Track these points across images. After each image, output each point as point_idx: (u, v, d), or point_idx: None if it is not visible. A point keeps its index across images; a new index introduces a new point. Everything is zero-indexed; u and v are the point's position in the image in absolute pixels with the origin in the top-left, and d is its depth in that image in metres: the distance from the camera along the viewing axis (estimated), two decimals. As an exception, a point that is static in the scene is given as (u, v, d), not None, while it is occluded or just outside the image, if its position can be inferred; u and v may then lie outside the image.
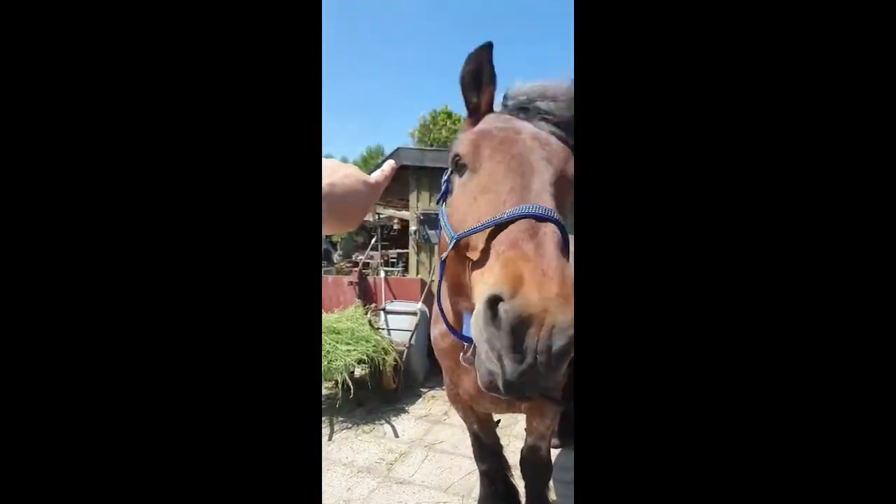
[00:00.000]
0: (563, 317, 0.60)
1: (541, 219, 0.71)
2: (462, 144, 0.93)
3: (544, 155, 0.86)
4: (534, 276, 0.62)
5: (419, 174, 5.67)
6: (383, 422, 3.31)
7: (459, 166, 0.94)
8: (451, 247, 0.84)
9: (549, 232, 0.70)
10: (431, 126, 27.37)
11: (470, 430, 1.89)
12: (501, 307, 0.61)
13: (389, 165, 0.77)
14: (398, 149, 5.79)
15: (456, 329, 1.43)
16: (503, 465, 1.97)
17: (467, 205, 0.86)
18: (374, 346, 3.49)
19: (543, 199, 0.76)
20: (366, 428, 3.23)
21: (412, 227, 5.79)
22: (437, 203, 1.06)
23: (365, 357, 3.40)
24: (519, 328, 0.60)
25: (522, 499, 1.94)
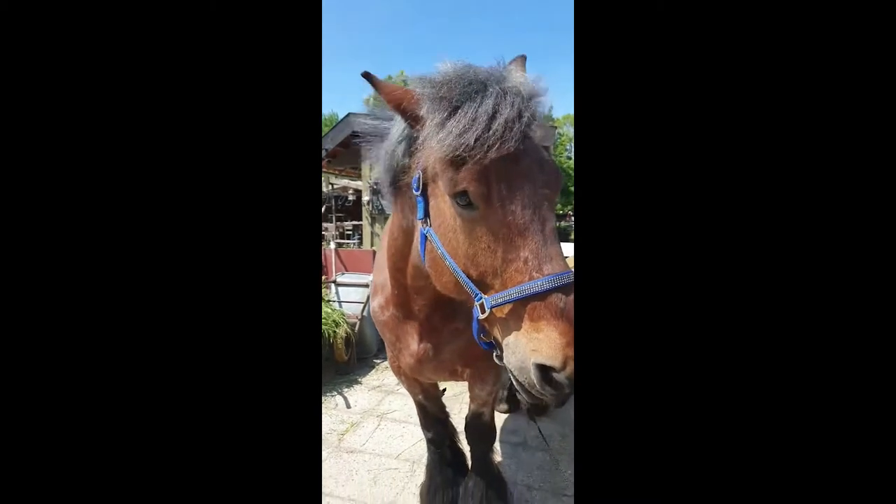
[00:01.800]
0: None
1: (567, 288, 0.83)
2: (471, 183, 0.87)
3: (546, 189, 0.90)
4: (570, 347, 0.79)
5: (372, 141, 5.43)
6: (335, 393, 3.28)
7: (461, 198, 0.90)
8: (487, 311, 0.90)
9: (573, 298, 0.82)
10: (388, 92, 26.27)
11: (415, 400, 1.89)
12: (555, 375, 0.81)
13: None
14: (349, 114, 5.51)
15: (392, 303, 1.41)
16: (449, 433, 2.00)
17: (479, 250, 0.90)
18: (324, 319, 3.41)
19: (562, 260, 0.86)
20: (317, 401, 3.19)
21: (365, 198, 5.62)
22: (420, 219, 1.03)
23: (315, 330, 3.32)
24: (570, 383, 0.80)
25: (469, 462, 1.99)
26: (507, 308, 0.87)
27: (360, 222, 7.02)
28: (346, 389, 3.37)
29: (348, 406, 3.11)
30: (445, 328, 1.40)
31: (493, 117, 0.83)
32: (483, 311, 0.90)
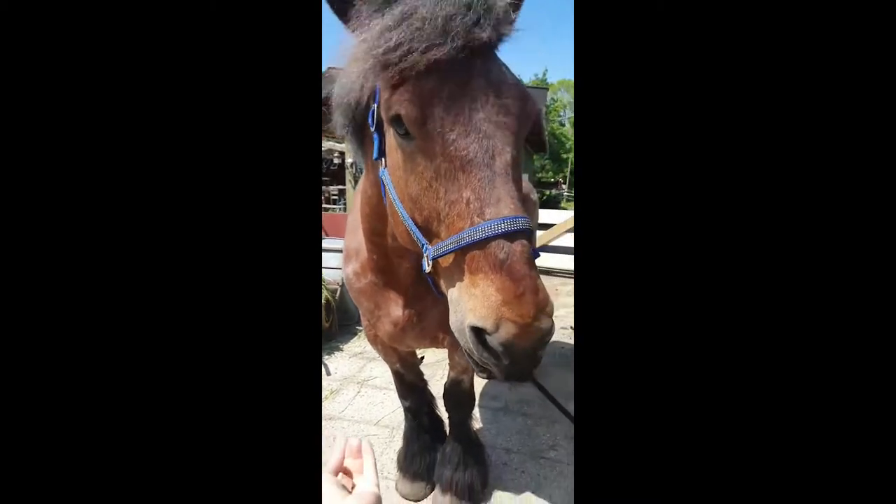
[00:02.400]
0: (541, 328, 0.67)
1: (513, 235, 0.70)
2: (403, 104, 0.73)
3: (501, 116, 0.74)
4: (511, 306, 0.66)
5: (354, 100, 5.15)
6: (316, 361, 3.25)
7: (398, 125, 0.76)
8: (430, 262, 0.80)
9: (520, 248, 0.70)
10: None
11: (392, 368, 1.84)
12: (487, 338, 0.68)
13: None
14: (329, 69, 5.20)
15: (370, 269, 1.31)
16: (426, 400, 1.97)
17: (422, 189, 0.77)
18: (303, 285, 3.32)
19: (511, 202, 0.72)
20: (297, 367, 3.15)
21: (349, 160, 5.40)
22: (375, 159, 0.91)
23: (294, 297, 3.23)
24: (505, 351, 0.68)
25: (447, 428, 1.98)
26: (449, 259, 0.75)
27: (344, 186, 6.80)
28: (326, 356, 3.34)
29: (328, 373, 3.08)
30: (429, 294, 1.31)
31: (429, 13, 0.68)
32: (428, 265, 0.79)
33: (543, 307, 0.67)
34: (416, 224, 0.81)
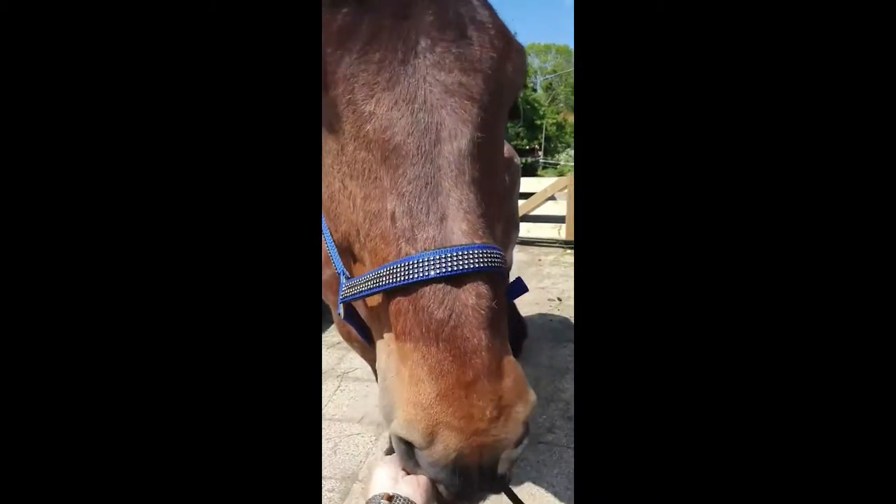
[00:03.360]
0: (502, 438, 0.46)
1: (464, 278, 0.45)
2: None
3: (457, 72, 0.47)
4: (452, 403, 0.44)
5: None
6: (291, 354, 3.02)
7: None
8: (340, 304, 0.57)
9: (473, 300, 0.45)
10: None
11: (372, 367, 1.64)
12: (418, 455, 0.48)
13: None
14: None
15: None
16: (413, 397, 1.79)
17: (334, 192, 0.54)
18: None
19: (465, 221, 0.47)
20: (271, 363, 2.92)
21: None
22: None
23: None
24: (449, 473, 0.47)
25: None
26: (373, 303, 0.52)
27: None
28: (303, 348, 3.11)
29: (306, 366, 2.86)
30: None
31: None
32: (339, 310, 0.58)
33: (510, 404, 0.45)
34: (335, 243, 0.58)
